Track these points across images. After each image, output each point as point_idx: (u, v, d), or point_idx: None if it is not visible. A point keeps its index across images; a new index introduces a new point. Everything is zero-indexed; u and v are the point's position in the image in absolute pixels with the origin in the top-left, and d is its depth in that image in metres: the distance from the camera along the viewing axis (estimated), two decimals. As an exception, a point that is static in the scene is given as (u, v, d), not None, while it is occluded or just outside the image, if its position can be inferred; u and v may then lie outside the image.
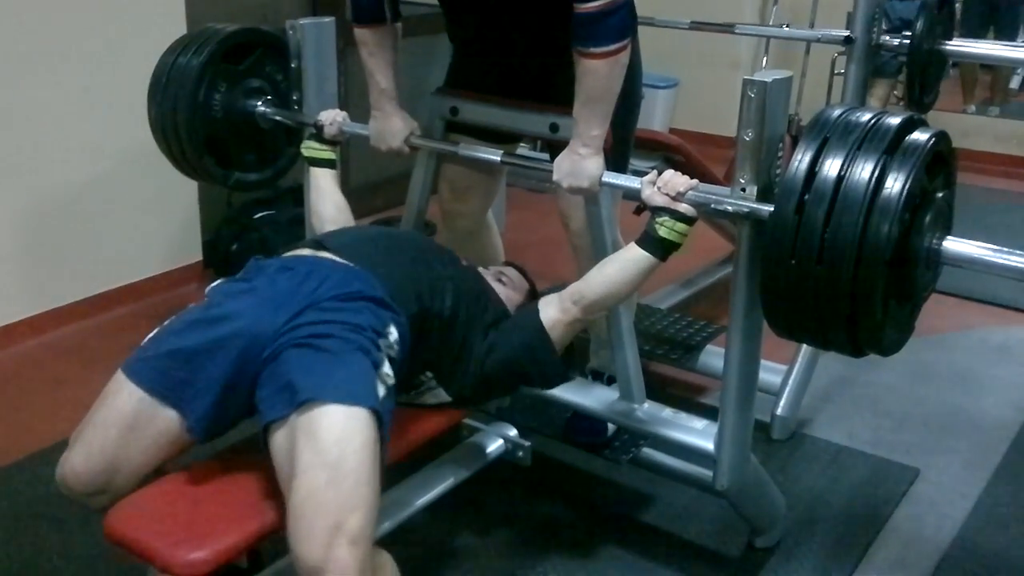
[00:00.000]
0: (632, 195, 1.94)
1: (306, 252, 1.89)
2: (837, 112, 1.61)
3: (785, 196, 1.55)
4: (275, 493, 1.65)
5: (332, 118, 2.30)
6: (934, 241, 1.56)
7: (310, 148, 2.32)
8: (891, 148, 1.50)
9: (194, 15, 3.51)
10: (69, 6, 3.16)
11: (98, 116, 3.24)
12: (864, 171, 1.49)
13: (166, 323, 1.78)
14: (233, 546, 1.60)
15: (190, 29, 3.47)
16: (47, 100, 3.15)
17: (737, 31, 3.42)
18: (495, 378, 1.97)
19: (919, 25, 2.78)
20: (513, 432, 2.24)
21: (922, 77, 2.88)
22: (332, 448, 1.51)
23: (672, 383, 3.01)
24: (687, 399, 2.91)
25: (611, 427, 2.30)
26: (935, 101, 3.08)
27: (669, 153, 3.12)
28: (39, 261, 3.27)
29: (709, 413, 2.21)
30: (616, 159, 2.24)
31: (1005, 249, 1.56)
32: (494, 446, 2.23)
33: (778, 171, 1.80)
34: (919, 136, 1.53)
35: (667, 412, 2.24)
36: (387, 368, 1.69)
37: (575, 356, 2.14)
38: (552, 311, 1.93)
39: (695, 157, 3.19)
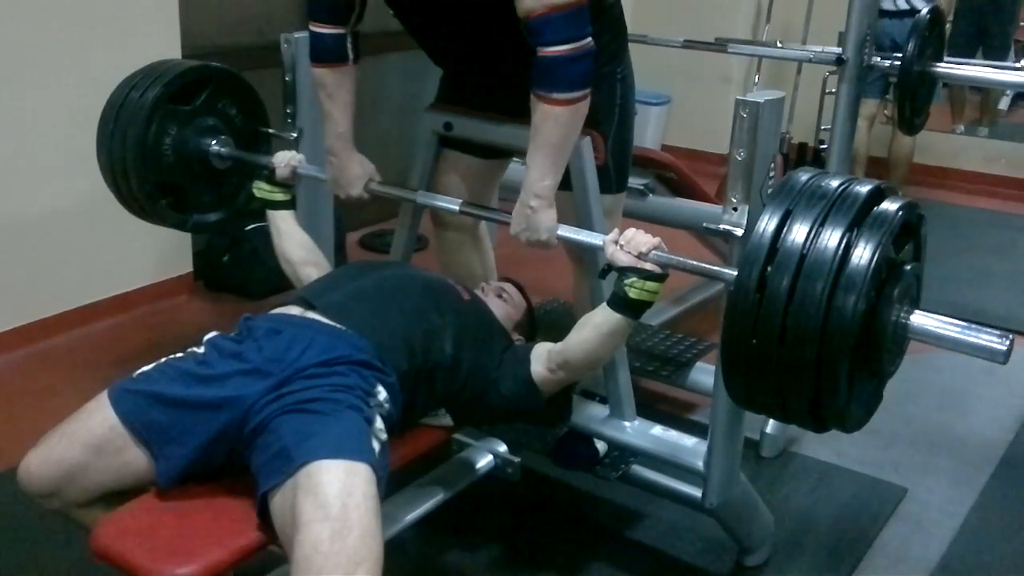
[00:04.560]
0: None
1: (295, 312, 1.86)
2: (804, 178, 1.53)
3: (747, 268, 1.47)
4: (263, 508, 1.65)
5: (287, 160, 2.21)
6: (902, 315, 1.49)
7: (261, 190, 2.23)
8: (858, 219, 1.44)
9: (189, 29, 3.52)
10: (63, 20, 3.16)
11: (89, 127, 3.23)
12: (830, 244, 1.41)
13: (162, 361, 1.79)
14: (220, 562, 1.59)
15: (185, 43, 3.49)
16: (38, 111, 3.15)
17: (730, 50, 3.43)
18: (499, 416, 2.01)
19: (910, 46, 2.79)
20: (503, 448, 2.24)
21: (913, 98, 2.90)
22: (334, 501, 1.48)
23: (662, 400, 3.02)
24: (677, 416, 2.91)
25: (601, 448, 2.30)
26: (925, 122, 3.10)
27: (661, 170, 3.13)
28: (29, 271, 3.26)
29: (699, 430, 2.21)
30: (616, 175, 2.26)
31: (974, 326, 1.50)
32: (483, 462, 2.23)
33: (769, 190, 1.81)
34: (887, 206, 1.47)
35: (657, 429, 2.24)
36: (379, 424, 1.68)
37: (572, 395, 2.11)
38: (540, 368, 1.91)
39: (687, 174, 3.20)
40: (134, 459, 1.69)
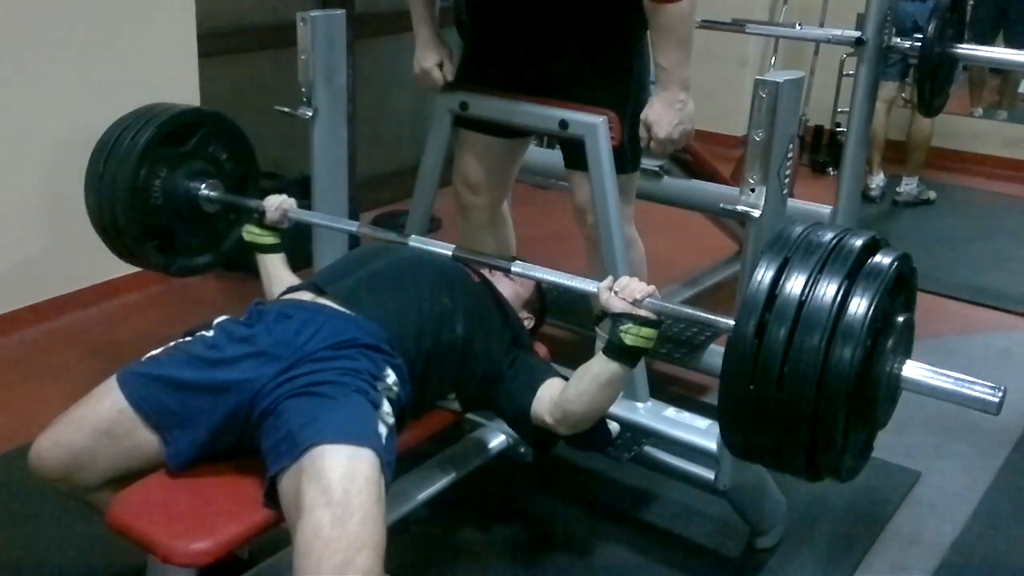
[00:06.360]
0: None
1: (306, 297, 1.88)
2: (798, 231, 1.54)
3: (745, 317, 1.48)
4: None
5: (277, 204, 2.18)
6: (895, 366, 1.51)
7: (251, 233, 2.21)
8: (854, 270, 1.46)
9: (204, 8, 3.51)
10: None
11: (100, 103, 3.24)
12: (827, 294, 1.43)
13: (171, 345, 1.80)
14: (235, 538, 1.60)
15: (200, 22, 3.48)
16: (57, 86, 3.16)
17: (748, 30, 3.41)
18: (497, 415, 2.05)
19: (931, 28, 2.77)
20: (515, 428, 2.24)
21: (932, 80, 2.88)
22: (336, 486, 1.49)
23: (675, 382, 3.01)
24: (690, 398, 2.91)
25: (614, 429, 2.30)
26: (945, 104, 3.07)
27: (677, 152, 3.11)
28: (43, 248, 3.27)
29: (712, 412, 2.20)
30: (631, 155, 2.26)
31: (967, 378, 1.49)
32: (496, 442, 2.23)
33: (788, 172, 1.80)
34: (882, 259, 1.48)
35: (670, 411, 2.24)
36: (387, 408, 1.68)
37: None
38: (542, 411, 1.90)
39: (703, 156, 3.19)
40: (143, 442, 1.70)
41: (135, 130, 2.30)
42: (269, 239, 2.20)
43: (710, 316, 1.69)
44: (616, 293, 1.73)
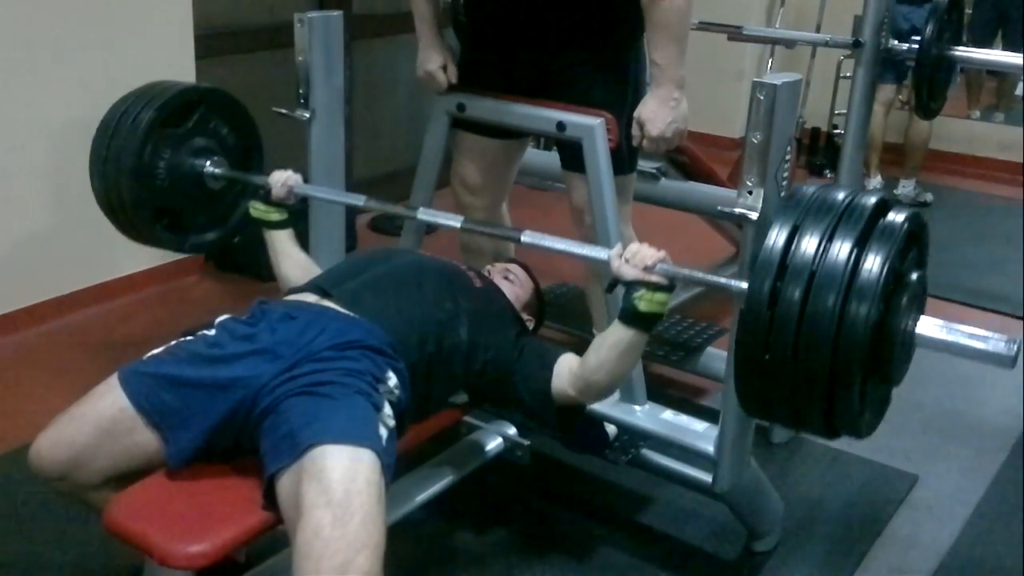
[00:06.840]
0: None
1: (311, 299, 1.88)
2: (810, 192, 1.55)
3: (758, 282, 1.47)
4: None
5: (283, 180, 2.16)
6: (909, 323, 1.51)
7: (257, 209, 2.19)
8: (866, 231, 1.46)
9: (201, 9, 3.51)
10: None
11: (98, 105, 3.24)
12: (840, 257, 1.43)
13: (172, 344, 1.80)
14: (232, 540, 1.59)
15: (197, 23, 3.48)
16: (46, 87, 3.15)
17: (745, 33, 3.41)
18: (513, 408, 2.06)
19: (929, 30, 2.77)
20: (512, 431, 2.24)
21: (930, 82, 2.88)
22: (336, 487, 1.49)
23: (672, 385, 3.01)
24: (687, 401, 2.91)
25: (611, 432, 2.30)
26: (942, 106, 3.07)
27: (674, 154, 3.11)
28: (39, 250, 3.26)
29: (709, 415, 2.21)
30: (629, 156, 2.26)
31: (981, 332, 1.50)
32: (493, 444, 2.22)
33: (785, 174, 1.79)
34: (893, 218, 1.49)
35: (667, 414, 2.24)
36: (388, 410, 1.68)
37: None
38: (564, 386, 1.91)
39: (700, 158, 3.19)
40: (144, 440, 1.70)
41: (135, 112, 2.30)
42: (276, 215, 2.19)
43: (721, 280, 1.69)
44: (627, 261, 1.74)
